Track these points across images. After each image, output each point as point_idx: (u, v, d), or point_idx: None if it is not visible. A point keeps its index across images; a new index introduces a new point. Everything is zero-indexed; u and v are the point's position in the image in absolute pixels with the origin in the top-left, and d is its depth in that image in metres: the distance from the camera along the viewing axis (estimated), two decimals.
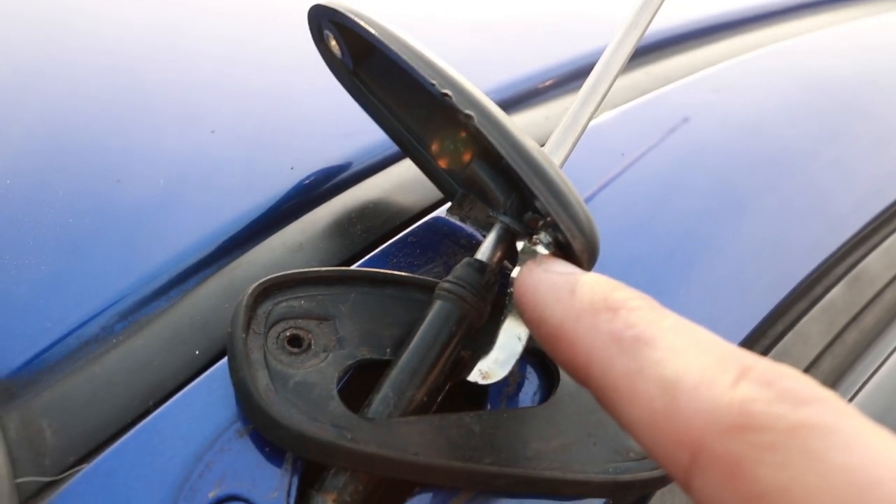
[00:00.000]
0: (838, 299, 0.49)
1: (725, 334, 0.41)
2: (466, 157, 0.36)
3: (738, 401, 0.21)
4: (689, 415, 0.22)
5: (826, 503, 0.19)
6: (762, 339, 0.44)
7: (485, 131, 0.31)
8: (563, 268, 0.30)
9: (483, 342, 0.33)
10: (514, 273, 0.32)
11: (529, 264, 0.30)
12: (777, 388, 0.21)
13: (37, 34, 0.54)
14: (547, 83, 0.55)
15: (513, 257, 0.34)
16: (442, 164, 0.40)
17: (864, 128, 0.60)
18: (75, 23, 0.56)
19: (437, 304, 0.33)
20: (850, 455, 0.20)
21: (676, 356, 0.24)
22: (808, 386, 0.22)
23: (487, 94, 0.51)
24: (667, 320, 0.25)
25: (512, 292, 0.32)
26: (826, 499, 0.19)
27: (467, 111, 0.31)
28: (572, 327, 0.27)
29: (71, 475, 0.29)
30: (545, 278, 0.29)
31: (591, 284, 0.28)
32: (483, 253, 0.34)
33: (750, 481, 0.20)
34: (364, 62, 0.40)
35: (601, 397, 0.26)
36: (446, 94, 0.32)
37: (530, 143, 0.31)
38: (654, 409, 0.23)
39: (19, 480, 0.29)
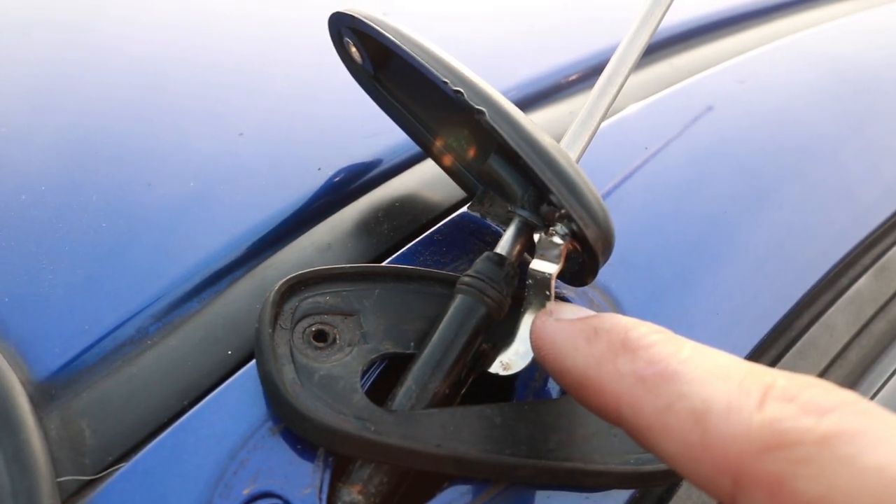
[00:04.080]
0: (865, 289, 0.48)
1: (751, 326, 0.42)
2: (483, 153, 0.37)
3: (766, 421, 0.22)
4: (724, 442, 0.23)
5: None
6: (788, 330, 0.44)
7: (497, 126, 0.32)
8: (574, 313, 0.30)
9: (504, 334, 0.34)
10: (533, 265, 0.32)
11: (541, 316, 0.31)
12: (800, 402, 0.22)
13: (60, 39, 0.54)
14: (571, 78, 0.55)
15: (532, 250, 0.35)
16: (461, 162, 0.40)
17: (890, 114, 0.59)
18: (99, 26, 0.57)
19: (458, 298, 0.33)
20: (880, 453, 0.20)
21: (701, 386, 0.24)
22: (829, 393, 0.23)
23: (511, 90, 0.53)
24: (684, 350, 0.26)
25: (532, 284, 0.33)
26: (865, 500, 0.20)
27: (479, 107, 0.32)
28: (595, 374, 0.27)
29: (110, 474, 0.30)
30: (559, 328, 0.30)
31: (605, 328, 0.28)
32: (502, 247, 0.35)
33: (792, 496, 0.21)
34: (384, 66, 0.40)
35: (637, 437, 0.26)
36: (458, 92, 0.32)
37: (542, 136, 0.32)
38: (690, 442, 0.24)
39: (60, 479, 0.29)
